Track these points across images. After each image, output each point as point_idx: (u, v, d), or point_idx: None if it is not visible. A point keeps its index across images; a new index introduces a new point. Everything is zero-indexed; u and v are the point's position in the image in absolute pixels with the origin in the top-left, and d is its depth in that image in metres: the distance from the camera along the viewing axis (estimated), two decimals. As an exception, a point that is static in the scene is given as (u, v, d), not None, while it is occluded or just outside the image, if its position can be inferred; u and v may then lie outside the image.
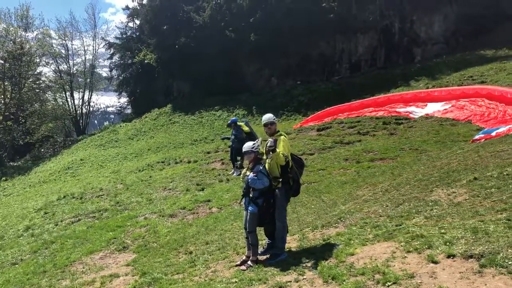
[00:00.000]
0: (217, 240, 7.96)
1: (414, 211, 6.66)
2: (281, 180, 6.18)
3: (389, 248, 5.31)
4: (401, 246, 5.26)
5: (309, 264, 5.54)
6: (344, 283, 4.64)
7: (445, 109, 17.15)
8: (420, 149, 13.24)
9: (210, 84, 33.89)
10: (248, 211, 6.23)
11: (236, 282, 5.51)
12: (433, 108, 17.67)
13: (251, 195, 6.21)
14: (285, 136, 6.45)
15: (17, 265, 9.92)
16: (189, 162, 18.68)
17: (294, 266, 5.60)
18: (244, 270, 5.97)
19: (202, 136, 26.47)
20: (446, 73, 24.60)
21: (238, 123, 15.34)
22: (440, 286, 4.09)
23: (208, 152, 19.58)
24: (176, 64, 35.58)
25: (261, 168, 6.18)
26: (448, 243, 4.95)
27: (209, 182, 14.71)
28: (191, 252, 7.62)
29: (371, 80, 27.36)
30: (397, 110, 18.65)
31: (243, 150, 6.46)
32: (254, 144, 6.45)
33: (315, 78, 31.08)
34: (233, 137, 15.33)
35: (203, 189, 13.80)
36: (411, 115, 17.81)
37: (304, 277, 5.19)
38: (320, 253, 5.84)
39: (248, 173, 6.31)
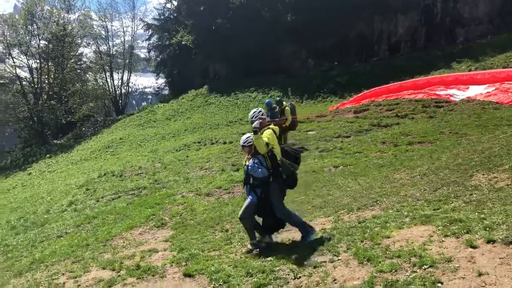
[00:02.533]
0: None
1: (452, 195, 6.54)
2: (272, 172, 6.16)
3: (426, 231, 5.26)
4: (439, 230, 5.20)
5: (344, 246, 5.57)
6: (380, 264, 4.65)
7: (488, 92, 16.53)
8: (460, 132, 12.89)
9: (246, 65, 33.89)
10: (248, 199, 6.31)
11: (271, 260, 5.61)
12: (475, 91, 17.08)
13: (251, 182, 6.25)
14: (272, 130, 6.31)
15: (62, 238, 10.42)
16: (224, 143, 18.88)
17: (329, 247, 5.64)
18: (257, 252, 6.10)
19: (237, 117, 26.64)
20: (490, 54, 23.62)
21: (284, 104, 15.18)
22: (479, 270, 4.04)
23: (243, 133, 19.68)
24: (213, 46, 35.70)
25: (259, 158, 6.21)
26: (488, 228, 4.86)
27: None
28: (227, 230, 7.78)
29: (411, 62, 26.62)
30: (437, 92, 18.13)
31: (240, 143, 6.58)
32: (247, 137, 6.48)
33: (353, 60, 30.52)
34: (268, 119, 15.33)
35: (238, 170, 13.95)
36: (451, 98, 17.28)
37: (339, 258, 5.22)
38: (356, 235, 5.85)
39: (247, 162, 6.38)
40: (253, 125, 6.12)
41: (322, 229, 6.51)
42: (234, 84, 32.88)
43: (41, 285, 6.66)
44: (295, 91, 27.92)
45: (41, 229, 12.00)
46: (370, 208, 7.07)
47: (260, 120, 6.22)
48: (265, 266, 5.41)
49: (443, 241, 4.88)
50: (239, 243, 6.84)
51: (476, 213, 5.45)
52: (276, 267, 5.33)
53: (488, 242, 4.57)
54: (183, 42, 37.59)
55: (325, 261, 5.19)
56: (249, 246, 6.33)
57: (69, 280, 6.69)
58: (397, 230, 5.58)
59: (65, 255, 8.64)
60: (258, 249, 6.18)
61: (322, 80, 28.21)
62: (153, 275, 6.11)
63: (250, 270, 5.34)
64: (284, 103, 15.59)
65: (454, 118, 15.24)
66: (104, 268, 6.90)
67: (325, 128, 16.98)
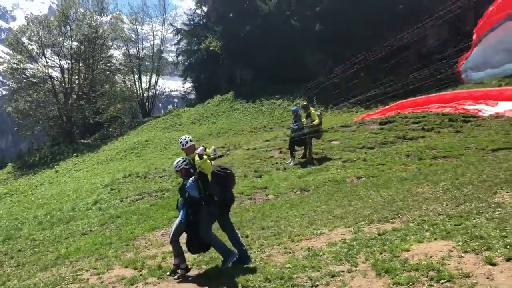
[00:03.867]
0: (272, 226, 8.17)
1: (475, 211, 6.49)
2: (203, 197, 6.34)
3: (445, 246, 5.25)
4: (459, 245, 5.18)
5: (363, 257, 5.60)
6: (397, 277, 4.68)
7: (517, 109, 16.19)
8: (487, 149, 12.71)
9: (273, 72, 34.00)
10: (178, 219, 6.57)
11: (290, 268, 5.68)
12: (504, 107, 16.73)
13: (186, 198, 6.48)
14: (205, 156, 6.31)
15: (86, 235, 10.74)
16: (247, 149, 19.02)
17: (347, 257, 5.68)
18: (176, 279, 6.19)
19: (261, 124, 26.78)
20: (522, 70, 23.12)
21: (312, 110, 15.32)
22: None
23: (267, 140, 19.80)
24: (240, 52, 36.00)
25: (192, 180, 6.42)
26: (508, 246, 4.83)
27: (266, 169, 14.96)
28: (247, 236, 7.88)
29: (440, 75, 26.27)
30: (465, 107, 17.80)
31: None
32: (177, 162, 6.69)
33: (380, 71, 30.26)
34: (292, 126, 15.46)
35: (260, 176, 14.08)
36: (480, 113, 16.91)
37: (357, 268, 5.26)
38: (375, 246, 5.87)
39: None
40: (198, 151, 6.35)
41: (342, 239, 6.54)
42: (260, 91, 33.02)
43: (66, 280, 6.89)
44: (320, 99, 27.90)
45: (67, 226, 12.38)
46: (391, 220, 7.06)
47: (202, 151, 6.35)
48: (283, 273, 5.49)
49: (462, 256, 4.87)
50: (259, 249, 6.94)
51: (498, 231, 5.41)
52: (294, 274, 5.40)
53: (508, 260, 4.54)
54: (211, 48, 38.04)
55: (343, 271, 5.23)
56: (179, 272, 6.33)
57: (93, 276, 6.91)
58: (417, 244, 5.59)
59: (89, 252, 8.91)
60: (180, 274, 6.27)
61: (348, 90, 28.09)
62: (173, 278, 6.27)
63: (269, 276, 5.43)
64: (311, 108, 15.70)
65: (481, 133, 15.03)
66: (126, 267, 7.11)
67: (350, 138, 16.95)
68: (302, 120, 15.26)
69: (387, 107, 21.19)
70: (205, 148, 6.48)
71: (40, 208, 16.56)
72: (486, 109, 17.02)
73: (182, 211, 6.56)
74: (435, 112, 18.11)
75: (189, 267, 6.50)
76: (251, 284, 5.32)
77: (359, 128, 18.59)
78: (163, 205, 12.25)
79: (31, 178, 27.78)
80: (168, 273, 6.43)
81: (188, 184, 6.45)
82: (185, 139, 6.77)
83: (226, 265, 6.29)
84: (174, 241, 6.43)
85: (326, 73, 33.09)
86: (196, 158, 6.34)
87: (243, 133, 25.25)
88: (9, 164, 36.45)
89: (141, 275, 6.48)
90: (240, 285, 5.35)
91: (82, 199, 16.16)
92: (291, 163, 15.06)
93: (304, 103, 16.99)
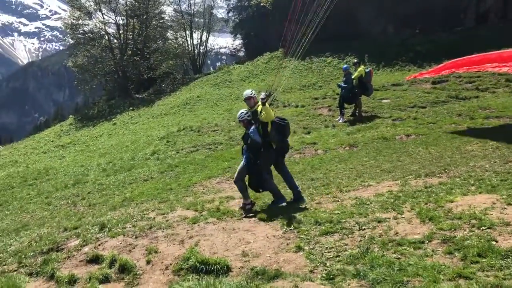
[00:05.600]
0: (321, 178, 8.63)
1: (523, 169, 6.65)
2: (263, 143, 7.01)
3: (489, 199, 5.53)
4: (503, 198, 5.45)
5: (408, 206, 5.98)
6: (440, 224, 5.04)
7: None
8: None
9: (322, 29, 33.24)
10: (242, 163, 7.32)
11: (338, 213, 6.15)
12: None
13: (248, 143, 7.15)
14: (266, 106, 6.88)
15: (148, 182, 11.64)
16: (296, 106, 19.30)
17: (393, 206, 6.07)
18: (244, 213, 7.02)
19: (310, 82, 26.79)
20: None
21: (362, 69, 15.36)
22: (535, 235, 4.33)
23: (316, 98, 19.97)
24: (290, 7, 35.51)
25: (254, 128, 7.06)
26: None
27: (315, 126, 15.29)
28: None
29: (499, 34, 25.04)
30: (526, 67, 17.16)
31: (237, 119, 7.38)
32: (241, 113, 7.22)
33: (436, 29, 29.15)
34: (342, 84, 15.56)
35: (309, 133, 14.46)
36: (541, 74, 16.35)
37: (403, 216, 5.66)
38: (420, 197, 6.22)
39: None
40: (261, 97, 6.94)
41: (388, 191, 6.91)
42: (309, 48, 32.38)
43: (135, 218, 7.69)
44: (372, 58, 27.36)
45: (129, 173, 13.38)
46: (438, 175, 7.33)
47: (264, 96, 6.93)
48: (332, 217, 5.97)
49: (505, 208, 5.15)
50: (309, 197, 7.43)
51: (544, 187, 5.60)
52: (342, 219, 5.87)
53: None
54: (261, 4, 37.73)
55: (389, 218, 5.65)
56: (241, 205, 7.25)
57: (158, 216, 7.67)
58: (461, 196, 5.89)
59: (152, 196, 9.76)
60: (248, 207, 7.14)
61: (401, 48, 27.34)
62: (231, 217, 6.90)
63: (319, 220, 5.93)
64: (361, 65, 15.70)
65: (540, 94, 14.58)
66: (188, 209, 7.81)
67: (400, 97, 16.86)
68: (352, 77, 15.32)
69: (440, 65, 20.65)
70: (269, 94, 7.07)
71: (102, 157, 17.78)
72: (548, 70, 16.37)
73: (245, 156, 7.29)
74: (492, 71, 17.57)
75: (253, 202, 7.33)
76: (303, 226, 5.84)
77: (411, 87, 18.37)
78: (217, 157, 12.94)
79: (91, 130, 29.43)
80: (237, 209, 7.28)
81: (251, 130, 7.07)
82: (251, 92, 7.36)
83: (275, 205, 7.14)
84: (238, 180, 7.27)
85: (379, 30, 32.32)
86: (259, 108, 6.99)
87: (292, 91, 25.42)
88: (71, 116, 38.62)
89: (201, 215, 7.14)
90: (292, 226, 5.89)
91: (140, 150, 17.19)
92: (340, 121, 15.29)
93: (355, 61, 16.97)
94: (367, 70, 15.38)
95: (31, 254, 6.44)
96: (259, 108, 7.04)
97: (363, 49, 28.83)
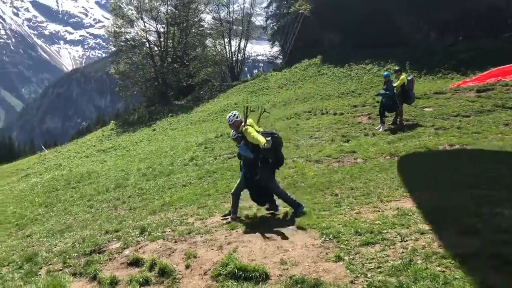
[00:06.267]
0: (361, 187, 8.46)
1: None
2: (257, 157, 7.06)
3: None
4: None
5: (452, 218, 5.77)
6: (489, 237, 4.83)
7: None
8: None
9: (362, 36, 33.12)
10: (240, 177, 7.51)
11: (379, 224, 6.01)
12: None
13: (242, 159, 7.39)
14: (248, 126, 6.93)
15: (186, 187, 11.79)
16: (335, 114, 19.10)
17: (437, 217, 5.88)
18: (224, 219, 7.47)
19: (349, 89, 26.50)
20: None
21: (405, 77, 15.09)
22: None
23: (355, 106, 19.71)
24: (329, 15, 35.42)
25: (242, 143, 7.19)
26: None
27: (354, 134, 15.07)
28: (336, 195, 8.27)
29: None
30: None
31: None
32: (229, 117, 7.26)
33: (480, 35, 28.25)
34: (383, 92, 15.29)
35: (348, 141, 14.26)
36: None
37: (447, 228, 5.47)
38: (467, 210, 5.99)
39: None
40: (233, 137, 7.50)
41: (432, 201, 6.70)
42: (349, 55, 32.46)
43: (174, 223, 7.80)
44: (413, 65, 26.85)
45: (168, 178, 13.60)
46: (484, 187, 7.05)
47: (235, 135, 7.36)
48: (373, 228, 5.84)
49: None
50: (348, 207, 7.30)
51: None
52: (383, 230, 5.73)
53: None
54: (300, 11, 37.78)
55: (433, 229, 5.47)
56: (229, 218, 7.47)
57: (197, 221, 7.75)
58: (509, 210, 5.64)
59: (190, 201, 9.87)
60: (230, 220, 7.34)
61: (444, 55, 26.68)
62: (269, 225, 6.87)
63: (359, 230, 5.81)
64: (403, 73, 15.42)
65: None
66: (226, 216, 7.84)
67: (443, 105, 16.39)
68: (394, 85, 15.04)
69: (485, 73, 20.03)
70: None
71: (142, 162, 18.16)
72: None
73: (242, 172, 7.52)
74: (542, 80, 16.90)
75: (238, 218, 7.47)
76: (343, 236, 5.74)
77: (454, 95, 17.82)
78: (257, 164, 12.94)
79: (132, 135, 30.20)
80: (222, 215, 7.72)
81: (240, 146, 7.31)
82: (233, 117, 7.26)
83: (299, 214, 7.11)
84: (234, 194, 7.54)
85: (420, 37, 31.65)
86: (243, 129, 7.04)
87: (330, 98, 25.23)
88: (112, 121, 39.78)
89: (240, 222, 7.16)
90: (331, 235, 5.80)
91: (179, 155, 17.46)
92: (381, 129, 15.02)
93: (396, 68, 16.65)
94: (409, 78, 15.06)
95: (75, 255, 6.63)
96: (243, 130, 7.00)
97: (404, 56, 28.35)
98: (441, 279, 4.07)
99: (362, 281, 4.41)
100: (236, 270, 5.01)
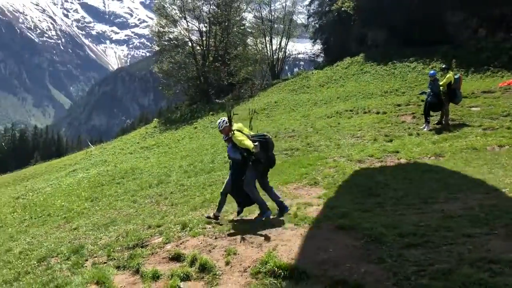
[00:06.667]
0: (405, 188, 8.27)
1: None
2: (248, 158, 7.21)
3: None
4: None
5: (502, 222, 5.54)
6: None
7: None
8: None
9: (407, 33, 32.24)
10: (228, 178, 7.65)
11: (423, 226, 5.84)
12: None
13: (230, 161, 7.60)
14: (236, 131, 7.12)
15: (228, 184, 11.86)
16: (378, 113, 18.75)
17: (486, 221, 5.66)
18: (207, 217, 7.71)
19: (393, 87, 25.89)
20: None
21: (451, 75, 14.66)
22: None
23: (399, 105, 19.26)
24: (373, 12, 34.71)
25: (230, 145, 7.39)
26: None
27: (398, 134, 14.75)
28: (378, 195, 8.11)
29: None
30: None
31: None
32: (218, 123, 7.50)
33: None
34: (429, 90, 14.87)
35: (391, 141, 13.96)
36: None
37: (496, 232, 5.26)
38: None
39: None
40: (224, 139, 7.56)
41: (479, 204, 6.46)
42: (392, 53, 31.69)
43: (215, 220, 7.87)
44: (460, 63, 25.90)
45: (209, 175, 13.76)
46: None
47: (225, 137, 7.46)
48: (417, 230, 5.68)
49: None
50: (391, 208, 7.15)
51: None
52: (428, 232, 5.56)
53: None
54: (343, 8, 37.25)
55: (480, 233, 5.26)
56: (211, 214, 7.77)
57: (237, 218, 7.79)
58: None
59: (230, 199, 9.92)
60: (214, 219, 7.59)
61: (494, 53, 25.54)
62: (309, 224, 6.82)
63: (402, 232, 5.67)
64: (449, 71, 14.96)
65: None
66: (265, 213, 7.84)
67: (492, 105, 15.74)
68: (440, 84, 14.60)
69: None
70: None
71: (184, 159, 18.45)
72: None
73: (229, 174, 7.71)
74: None
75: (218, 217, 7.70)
76: (385, 238, 5.61)
77: (504, 94, 17.10)
78: (294, 162, 12.90)
79: (174, 133, 30.73)
80: (206, 215, 7.88)
81: (228, 148, 7.54)
82: (222, 123, 7.45)
83: (261, 219, 7.36)
84: (222, 194, 7.73)
85: (469, 33, 30.46)
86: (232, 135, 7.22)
87: (372, 97, 24.76)
88: (155, 119, 40.68)
89: (279, 220, 7.14)
90: (373, 236, 5.68)
91: (219, 153, 17.61)
92: (425, 129, 14.62)
93: (443, 66, 16.15)
94: (456, 76, 14.58)
95: (119, 248, 6.82)
96: (231, 136, 7.22)
97: (451, 53, 27.44)
98: (490, 284, 3.90)
99: (405, 285, 4.30)
100: (276, 268, 4.99)
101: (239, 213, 7.87)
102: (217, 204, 7.86)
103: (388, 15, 33.40)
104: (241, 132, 7.20)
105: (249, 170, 7.33)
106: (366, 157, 12.01)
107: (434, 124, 14.95)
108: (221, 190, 7.78)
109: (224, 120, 7.47)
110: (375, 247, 5.40)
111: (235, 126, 7.33)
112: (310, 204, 8.17)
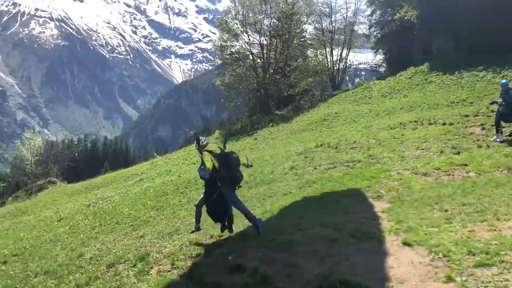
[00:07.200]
0: (475, 203, 7.85)
1: None
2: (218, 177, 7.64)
3: None
4: None
5: None
6: None
7: None
8: None
9: (474, 42, 30.78)
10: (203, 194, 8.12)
11: (496, 244, 5.54)
12: None
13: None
14: (205, 152, 7.62)
15: (286, 196, 11.89)
16: (444, 124, 17.99)
17: None
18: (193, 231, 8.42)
19: (460, 98, 24.75)
20: None
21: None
22: None
23: (466, 116, 18.38)
24: (438, 21, 33.54)
25: (200, 165, 7.84)
26: None
27: (466, 146, 14.08)
28: (446, 210, 7.76)
29: None
30: None
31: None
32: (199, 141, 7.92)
33: None
34: (500, 100, 14.10)
35: (459, 153, 13.34)
36: None
37: None
38: None
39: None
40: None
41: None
42: (459, 62, 30.33)
43: (275, 231, 7.90)
44: (535, 71, 24.38)
45: (268, 186, 13.84)
46: None
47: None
48: (489, 248, 5.39)
49: None
50: (460, 224, 6.81)
51: None
52: (501, 251, 5.26)
53: None
54: (406, 18, 36.30)
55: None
56: (193, 228, 8.51)
57: (297, 231, 7.76)
58: None
59: (290, 210, 9.91)
60: (195, 231, 8.35)
61: None
62: (371, 239, 6.66)
63: (473, 250, 5.40)
64: None
65: None
66: (326, 227, 7.74)
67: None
68: None
69: None
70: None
71: (244, 170, 18.65)
72: None
73: (204, 190, 8.13)
74: None
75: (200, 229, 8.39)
76: (454, 255, 5.37)
77: None
78: (356, 175, 12.66)
79: (235, 144, 31.23)
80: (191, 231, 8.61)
81: (198, 168, 7.98)
82: (201, 141, 7.93)
83: (260, 230, 7.64)
84: (196, 206, 8.30)
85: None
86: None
87: (438, 107, 23.80)
88: (217, 130, 41.60)
89: (341, 235, 7.03)
90: (441, 254, 5.45)
91: (279, 164, 17.65)
92: (497, 140, 13.84)
93: None
94: None
95: (182, 257, 7.02)
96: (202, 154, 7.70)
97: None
98: None
99: (477, 306, 4.09)
100: (338, 284, 4.92)
101: (222, 230, 8.17)
102: (195, 217, 8.49)
103: (454, 23, 32.11)
104: (211, 152, 7.64)
105: (223, 189, 7.69)
106: (432, 170, 11.54)
107: (506, 135, 14.13)
108: (196, 203, 8.34)
109: (202, 140, 7.95)
110: (444, 264, 5.19)
111: (209, 147, 7.80)
112: (373, 218, 7.98)
